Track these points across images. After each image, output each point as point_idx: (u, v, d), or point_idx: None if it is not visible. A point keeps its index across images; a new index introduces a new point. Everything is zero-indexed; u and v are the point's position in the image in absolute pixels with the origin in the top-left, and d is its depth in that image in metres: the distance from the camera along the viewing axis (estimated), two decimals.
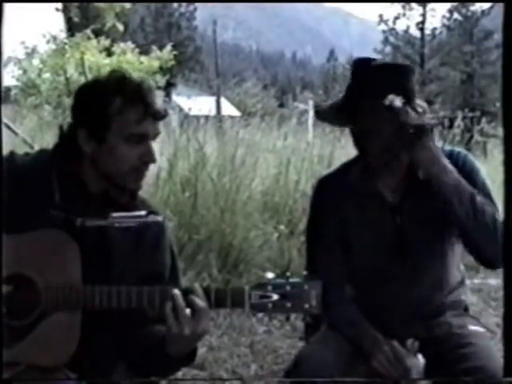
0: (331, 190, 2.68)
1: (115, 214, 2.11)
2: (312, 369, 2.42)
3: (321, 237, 2.69)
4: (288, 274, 1.99)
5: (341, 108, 2.57)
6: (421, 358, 2.46)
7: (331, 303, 2.46)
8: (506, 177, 2.00)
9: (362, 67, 2.55)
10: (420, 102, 2.51)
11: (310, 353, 2.54)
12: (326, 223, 2.67)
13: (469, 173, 2.51)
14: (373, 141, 2.49)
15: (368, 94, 2.45)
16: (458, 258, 2.70)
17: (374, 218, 2.61)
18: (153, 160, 2.13)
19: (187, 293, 1.99)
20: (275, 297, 1.95)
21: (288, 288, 1.96)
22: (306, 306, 1.96)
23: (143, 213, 2.16)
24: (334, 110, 2.62)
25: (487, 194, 2.51)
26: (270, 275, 1.99)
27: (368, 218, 2.61)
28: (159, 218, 2.22)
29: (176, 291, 1.98)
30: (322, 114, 2.76)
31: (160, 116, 2.14)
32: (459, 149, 2.66)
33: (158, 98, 2.16)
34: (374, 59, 2.57)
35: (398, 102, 2.40)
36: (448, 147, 2.66)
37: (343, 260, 2.65)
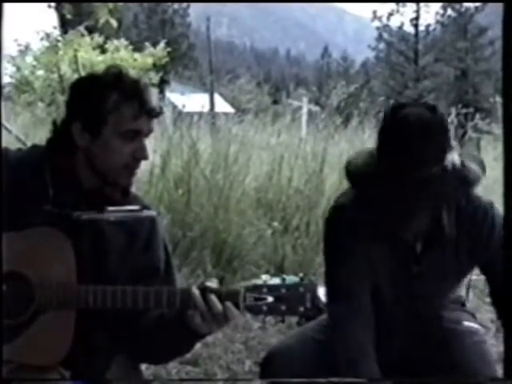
0: (350, 220, 2.47)
1: (110, 208, 2.11)
2: (284, 366, 2.44)
3: (348, 263, 2.48)
4: (284, 275, 1.99)
5: (383, 176, 2.29)
6: None
7: (359, 360, 2.42)
8: (505, 176, 2.00)
9: (415, 136, 2.24)
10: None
11: (282, 349, 2.58)
12: (350, 256, 2.46)
13: (493, 232, 2.42)
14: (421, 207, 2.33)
15: (431, 164, 2.23)
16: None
17: (391, 262, 2.49)
18: (145, 157, 2.14)
19: (204, 291, 1.98)
20: (270, 299, 1.95)
21: (283, 290, 1.96)
22: (301, 308, 1.95)
23: (137, 207, 2.17)
24: (373, 175, 2.35)
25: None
26: (264, 276, 1.99)
27: (386, 255, 2.48)
28: (153, 213, 2.23)
29: (195, 291, 1.98)
30: (356, 179, 2.45)
31: (155, 114, 2.15)
32: (486, 202, 2.47)
33: (154, 96, 2.17)
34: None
35: (456, 158, 2.29)
36: (476, 197, 2.47)
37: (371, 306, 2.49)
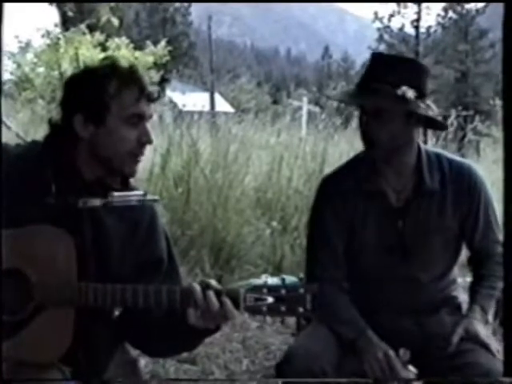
0: (336, 188, 2.70)
1: (115, 194, 2.12)
2: (303, 362, 2.44)
3: (322, 235, 2.70)
4: (284, 276, 1.99)
5: (356, 89, 2.65)
6: (413, 369, 2.46)
7: (327, 301, 2.50)
8: (505, 177, 2.01)
9: (383, 57, 2.74)
10: (431, 105, 2.59)
11: (301, 346, 2.56)
12: (328, 221, 2.68)
13: (474, 189, 2.64)
14: (380, 129, 2.53)
15: (384, 80, 2.52)
16: (456, 260, 2.74)
17: (377, 219, 2.64)
18: (150, 141, 2.15)
19: (205, 288, 1.99)
20: (270, 300, 1.94)
21: (283, 291, 1.95)
22: (301, 309, 1.95)
23: (141, 192, 2.18)
24: (350, 92, 2.74)
25: (492, 213, 2.68)
26: (264, 277, 1.99)
27: (371, 218, 2.64)
28: (156, 197, 2.26)
29: (196, 287, 1.99)
30: (336, 96, 2.89)
31: (154, 98, 2.18)
32: (468, 162, 2.76)
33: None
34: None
35: (410, 93, 2.50)
36: (457, 158, 2.78)
37: (344, 259, 2.68)
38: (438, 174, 2.62)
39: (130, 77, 2.14)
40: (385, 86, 2.52)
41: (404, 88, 2.50)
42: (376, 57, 2.68)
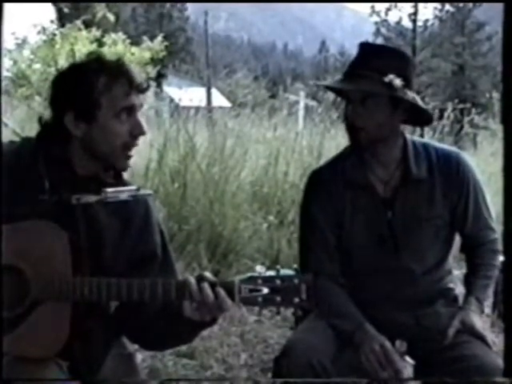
0: (324, 181, 2.71)
1: (109, 189, 2.12)
2: (301, 356, 2.44)
3: (314, 229, 2.70)
4: (278, 267, 1.99)
5: (344, 76, 2.69)
6: (410, 360, 2.46)
7: (324, 295, 2.50)
8: (505, 176, 2.02)
9: (370, 46, 2.76)
10: (417, 97, 2.60)
11: (299, 340, 2.56)
12: (319, 215, 2.68)
13: (463, 176, 2.65)
14: (366, 117, 2.56)
15: (371, 67, 2.55)
16: (449, 250, 2.74)
17: (366, 211, 2.65)
18: (142, 132, 2.15)
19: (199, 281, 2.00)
20: (265, 290, 1.95)
21: (278, 282, 1.96)
22: (296, 300, 1.96)
23: (134, 187, 2.19)
24: (338, 79, 2.77)
25: (482, 200, 2.68)
26: (259, 268, 1.99)
27: (359, 210, 2.65)
28: (150, 192, 2.27)
29: (191, 280, 2.00)
30: (325, 82, 2.89)
31: (143, 88, 2.18)
32: (456, 150, 2.77)
33: (137, 72, 2.20)
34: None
35: (397, 81, 2.51)
36: (445, 146, 2.79)
37: (336, 252, 2.68)
38: (425, 163, 2.62)
39: (118, 70, 2.14)
40: (372, 72, 2.53)
41: (391, 76, 2.51)
42: (364, 46, 2.69)
